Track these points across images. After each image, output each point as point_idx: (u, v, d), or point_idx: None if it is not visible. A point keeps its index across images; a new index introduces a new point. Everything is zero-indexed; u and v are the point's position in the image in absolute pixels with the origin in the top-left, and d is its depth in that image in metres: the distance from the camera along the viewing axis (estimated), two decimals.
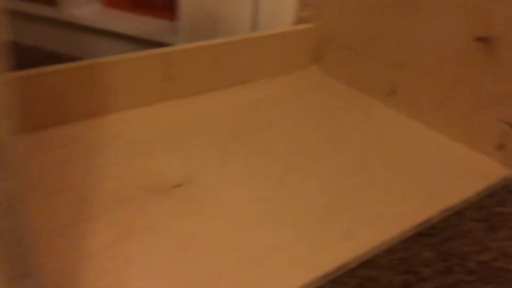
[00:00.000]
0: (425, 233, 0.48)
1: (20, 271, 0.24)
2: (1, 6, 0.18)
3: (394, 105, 0.69)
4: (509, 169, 0.57)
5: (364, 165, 0.55)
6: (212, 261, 0.41)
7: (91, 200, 0.47)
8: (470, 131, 0.60)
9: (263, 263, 0.41)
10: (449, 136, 0.62)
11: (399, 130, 0.63)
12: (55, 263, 0.40)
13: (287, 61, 0.77)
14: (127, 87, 0.62)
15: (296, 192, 0.50)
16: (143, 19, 0.79)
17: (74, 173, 0.50)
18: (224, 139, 0.58)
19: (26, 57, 0.83)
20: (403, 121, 0.66)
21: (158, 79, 0.63)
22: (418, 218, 0.48)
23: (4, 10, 0.18)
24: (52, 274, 0.39)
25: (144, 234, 0.43)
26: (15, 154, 0.22)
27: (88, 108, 0.60)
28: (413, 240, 0.47)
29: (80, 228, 0.44)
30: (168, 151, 0.54)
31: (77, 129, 0.58)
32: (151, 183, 0.49)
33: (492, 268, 0.45)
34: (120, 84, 0.61)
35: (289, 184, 0.51)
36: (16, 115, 0.55)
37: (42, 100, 0.56)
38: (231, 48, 0.69)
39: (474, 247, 0.47)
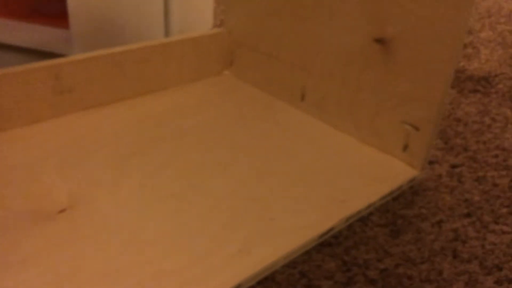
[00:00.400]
0: (328, 243, 0.46)
1: None
2: None
3: (305, 109, 0.67)
4: (415, 170, 0.57)
5: (269, 174, 0.53)
6: None
7: None
8: (377, 133, 0.59)
9: None
10: (358, 138, 0.62)
11: (309, 135, 0.62)
12: None
13: (199, 67, 0.74)
14: (14, 103, 0.56)
15: (195, 209, 0.47)
16: (38, 28, 0.74)
17: None
18: (121, 155, 0.54)
19: None
20: (314, 126, 0.65)
21: (49, 93, 0.59)
22: (321, 228, 0.46)
23: None
24: None
25: (21, 267, 0.39)
26: None
27: None
28: (316, 251, 0.45)
29: None
30: (57, 173, 0.50)
31: None
32: (34, 209, 0.45)
33: (394, 275, 0.44)
34: (5, 100, 0.56)
35: (187, 202, 0.48)
36: None
37: None
38: (135, 56, 0.65)
39: (376, 254, 0.46)
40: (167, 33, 0.90)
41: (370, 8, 0.56)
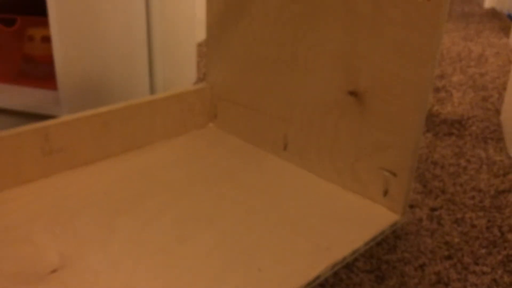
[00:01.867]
0: None
1: None
2: None
3: (288, 158, 0.70)
4: (396, 215, 0.59)
5: (256, 224, 0.55)
6: None
7: None
8: (358, 180, 0.62)
9: None
10: (340, 185, 0.64)
11: (292, 183, 0.64)
12: None
13: (184, 121, 0.76)
14: (4, 165, 0.58)
15: (185, 262, 0.48)
16: (26, 90, 0.76)
17: None
18: (109, 212, 0.55)
19: None
20: (297, 174, 0.67)
21: (39, 154, 0.60)
22: (308, 277, 0.48)
23: None
24: None
25: None
26: None
27: None
28: None
29: None
30: (47, 233, 0.51)
31: None
32: (23, 270, 0.46)
33: None
34: None
35: (177, 255, 0.49)
36: None
37: None
38: (121, 114, 0.67)
39: None
40: (152, 89, 0.93)
41: (343, 64, 0.60)
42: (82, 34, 0.72)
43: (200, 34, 1.46)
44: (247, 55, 0.72)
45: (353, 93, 0.58)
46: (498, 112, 1.00)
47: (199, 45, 1.45)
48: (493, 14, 2.20)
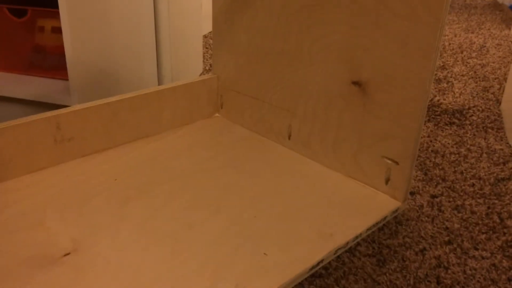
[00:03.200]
0: (319, 274, 0.49)
1: None
2: None
3: (292, 147, 0.71)
4: (398, 202, 0.60)
5: (261, 210, 0.57)
6: None
7: None
8: (360, 168, 0.63)
9: None
10: (343, 173, 0.66)
11: (297, 172, 0.66)
12: None
13: (191, 111, 0.78)
14: (17, 153, 0.60)
15: (191, 249, 0.50)
16: (37, 80, 0.78)
17: None
18: (120, 199, 0.57)
19: None
20: (301, 163, 0.68)
21: (50, 143, 0.62)
22: (311, 261, 0.49)
23: None
24: None
25: None
26: None
27: None
28: (308, 283, 0.48)
29: None
30: (59, 219, 0.53)
31: None
32: (37, 254, 0.47)
33: None
34: (9, 151, 0.59)
35: (185, 241, 0.51)
36: None
37: None
38: (130, 104, 0.69)
39: (364, 283, 0.49)
40: (160, 80, 0.94)
41: (346, 56, 0.61)
42: (92, 26, 0.73)
43: (206, 26, 1.47)
44: (252, 47, 0.73)
45: (356, 83, 0.60)
46: (498, 102, 1.01)
47: (205, 36, 1.47)
48: (495, 5, 2.20)
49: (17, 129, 0.59)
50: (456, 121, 0.91)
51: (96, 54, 0.76)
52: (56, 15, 0.78)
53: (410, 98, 0.56)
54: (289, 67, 0.69)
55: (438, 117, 0.93)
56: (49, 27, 0.76)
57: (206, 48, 1.34)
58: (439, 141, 0.82)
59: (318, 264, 0.50)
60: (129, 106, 0.69)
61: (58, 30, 0.78)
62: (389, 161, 0.60)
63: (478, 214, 0.62)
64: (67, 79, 0.79)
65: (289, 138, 0.72)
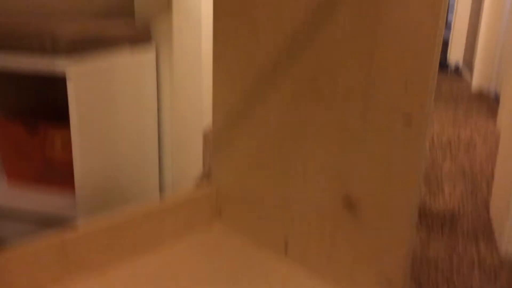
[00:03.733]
0: None
1: None
2: None
3: (289, 259, 0.73)
4: None
5: None
6: None
7: None
8: (356, 284, 0.65)
9: None
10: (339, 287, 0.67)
11: (292, 286, 0.67)
12: None
13: (190, 222, 0.80)
14: (21, 276, 0.61)
15: None
16: (44, 194, 0.81)
17: None
18: None
19: None
20: (298, 278, 0.70)
21: (55, 263, 0.64)
22: None
23: None
24: None
25: None
26: None
27: None
28: None
29: None
30: None
31: None
32: None
33: None
34: (13, 276, 0.60)
35: None
36: None
37: None
38: (133, 222, 0.72)
39: None
40: (161, 187, 0.98)
41: (334, 172, 0.65)
42: (100, 140, 0.78)
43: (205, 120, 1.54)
44: (250, 159, 0.77)
45: (346, 201, 0.63)
46: (487, 207, 1.05)
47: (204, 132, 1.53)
48: (480, 96, 2.32)
49: (22, 253, 0.61)
50: (447, 231, 0.94)
51: (103, 168, 0.80)
52: (66, 129, 0.82)
53: (398, 216, 0.59)
54: (284, 181, 0.72)
55: (429, 222, 0.96)
56: (59, 141, 0.81)
57: (205, 144, 1.40)
58: (432, 248, 0.85)
59: None
60: (132, 224, 0.71)
61: (67, 144, 0.82)
62: (383, 278, 0.62)
63: None
64: (73, 193, 0.82)
65: (285, 250, 0.74)
